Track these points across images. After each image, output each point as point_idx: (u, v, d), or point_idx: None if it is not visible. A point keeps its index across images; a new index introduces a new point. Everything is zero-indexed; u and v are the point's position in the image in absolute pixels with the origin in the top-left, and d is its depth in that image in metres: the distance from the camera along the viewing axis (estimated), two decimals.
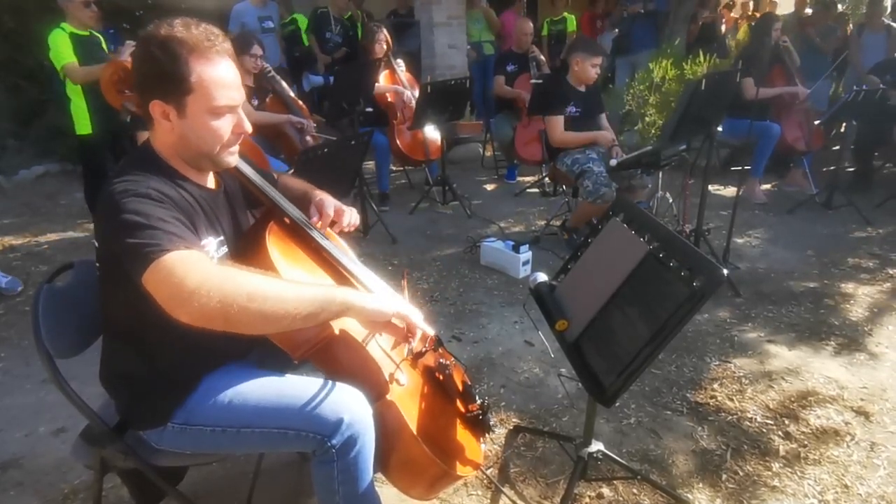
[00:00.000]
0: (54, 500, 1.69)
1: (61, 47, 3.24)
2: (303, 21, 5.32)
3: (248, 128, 1.17)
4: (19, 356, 2.43)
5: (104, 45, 3.52)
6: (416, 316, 1.19)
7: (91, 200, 3.73)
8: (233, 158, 1.19)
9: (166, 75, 1.05)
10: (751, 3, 7.53)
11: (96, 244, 1.11)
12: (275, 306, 0.98)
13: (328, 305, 1.05)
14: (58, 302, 1.26)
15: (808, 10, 6.32)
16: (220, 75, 1.08)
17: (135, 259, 0.97)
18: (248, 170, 1.29)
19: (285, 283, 1.05)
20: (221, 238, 1.20)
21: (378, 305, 1.12)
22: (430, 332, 1.24)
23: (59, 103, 3.71)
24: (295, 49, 5.33)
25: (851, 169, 4.90)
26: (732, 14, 7.30)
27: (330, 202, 1.38)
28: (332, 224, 1.36)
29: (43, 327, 1.20)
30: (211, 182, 1.23)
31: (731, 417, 2.01)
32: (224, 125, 1.12)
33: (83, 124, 3.45)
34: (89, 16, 3.37)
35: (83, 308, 1.28)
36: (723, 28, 6.46)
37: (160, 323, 0.96)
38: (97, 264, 1.15)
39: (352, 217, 1.39)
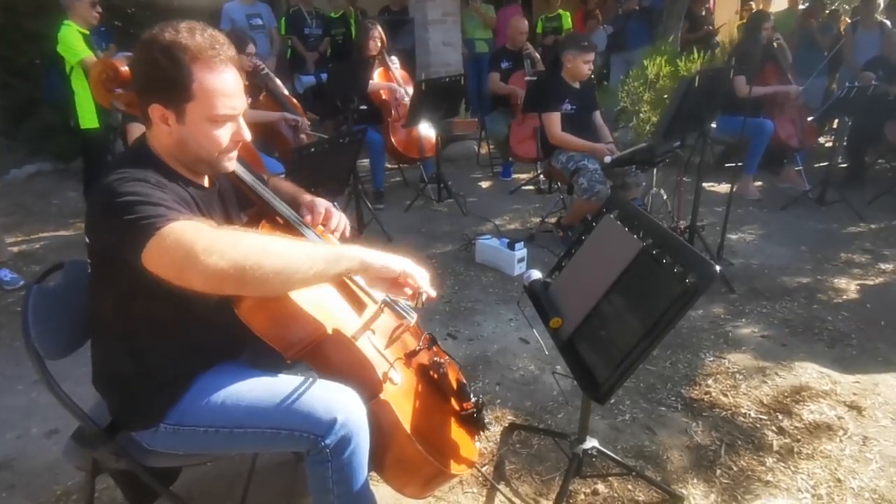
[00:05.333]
0: (46, 502, 1.68)
1: (75, 42, 3.35)
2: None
3: (247, 136, 1.16)
4: (10, 357, 2.42)
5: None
6: (422, 274, 1.19)
7: None
8: (231, 164, 1.19)
9: (168, 81, 1.05)
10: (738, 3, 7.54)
11: (87, 240, 1.10)
12: (288, 261, 0.98)
13: (339, 260, 1.06)
14: (48, 302, 1.25)
15: (801, 7, 6.34)
16: (222, 84, 1.08)
17: (135, 234, 0.94)
18: (240, 170, 1.28)
19: (295, 242, 1.05)
20: None
21: (386, 261, 1.13)
22: (433, 293, 1.21)
23: (56, 99, 3.78)
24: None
25: (844, 165, 4.93)
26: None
27: (320, 202, 1.38)
28: (324, 224, 1.36)
29: (33, 328, 1.19)
30: (205, 181, 1.23)
31: (725, 413, 2.01)
32: (223, 133, 1.12)
33: (89, 118, 3.51)
34: (94, 15, 3.48)
35: (74, 308, 1.27)
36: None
37: (150, 322, 0.95)
38: (88, 261, 1.14)
39: (340, 221, 1.38)
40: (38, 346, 1.19)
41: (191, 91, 1.05)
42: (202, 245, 0.92)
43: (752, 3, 6.90)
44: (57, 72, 3.57)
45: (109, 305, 1.13)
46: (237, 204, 1.34)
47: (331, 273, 1.05)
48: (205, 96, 1.06)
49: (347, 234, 1.40)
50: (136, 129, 2.38)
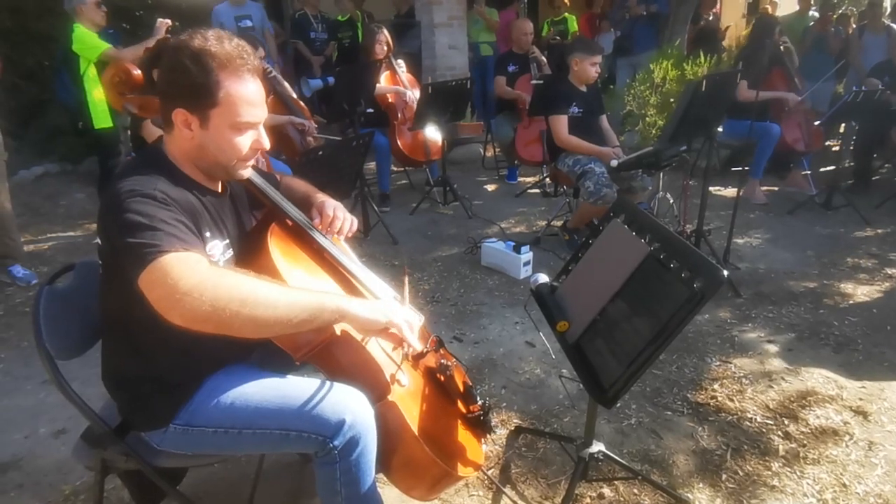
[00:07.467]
0: (55, 502, 1.69)
1: (91, 38, 3.43)
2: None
3: (267, 144, 1.18)
4: (19, 357, 2.43)
5: None
6: (410, 324, 1.17)
7: None
8: (247, 171, 1.21)
9: (195, 87, 1.06)
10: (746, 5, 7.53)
11: (99, 242, 1.12)
12: (266, 312, 0.99)
13: (321, 313, 1.05)
14: (58, 303, 1.26)
15: (811, 13, 6.31)
16: (248, 93, 1.10)
17: (133, 259, 0.97)
18: (252, 174, 1.29)
19: (280, 289, 1.04)
20: (227, 241, 1.21)
21: (372, 314, 1.11)
22: (419, 346, 1.23)
23: (67, 100, 3.83)
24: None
25: (851, 169, 4.91)
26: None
27: (331, 205, 1.39)
28: (330, 226, 1.37)
29: (44, 328, 1.20)
30: (219, 187, 1.24)
31: (731, 417, 2.01)
32: (244, 140, 1.13)
33: (103, 118, 3.56)
34: (101, 16, 3.53)
35: (84, 309, 1.29)
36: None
37: (155, 323, 0.96)
38: (100, 262, 1.15)
39: (344, 224, 1.37)
40: (48, 347, 1.20)
41: (217, 98, 1.07)
42: (185, 287, 0.94)
43: (767, 7, 6.89)
44: (69, 73, 3.59)
45: (119, 306, 1.14)
46: (248, 205, 1.35)
47: (313, 325, 1.05)
48: (230, 103, 1.08)
49: (352, 232, 1.40)
50: (154, 129, 2.38)
